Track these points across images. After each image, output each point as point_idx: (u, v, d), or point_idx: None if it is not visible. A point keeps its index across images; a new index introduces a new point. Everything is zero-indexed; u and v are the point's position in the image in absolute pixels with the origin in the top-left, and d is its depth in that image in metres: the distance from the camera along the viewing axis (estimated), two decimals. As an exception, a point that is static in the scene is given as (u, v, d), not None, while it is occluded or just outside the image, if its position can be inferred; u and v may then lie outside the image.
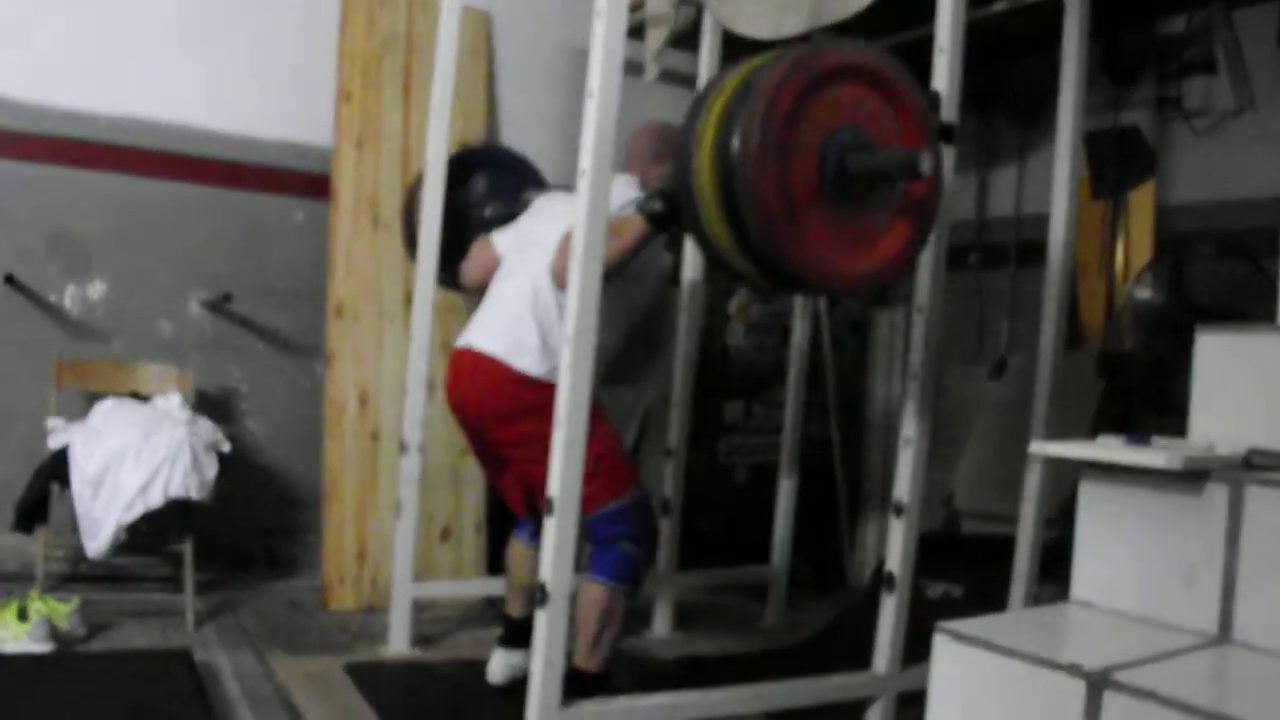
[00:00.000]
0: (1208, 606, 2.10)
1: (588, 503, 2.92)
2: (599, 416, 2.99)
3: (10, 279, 4.34)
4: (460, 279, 3.80)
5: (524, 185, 4.05)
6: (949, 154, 3.07)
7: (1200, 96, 4.58)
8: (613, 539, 3.17)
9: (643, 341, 4.66)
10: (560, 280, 3.09)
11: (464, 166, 4.10)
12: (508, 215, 3.83)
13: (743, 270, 2.74)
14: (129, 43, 4.53)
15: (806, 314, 4.76)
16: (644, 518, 3.27)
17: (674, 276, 4.58)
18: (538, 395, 3.10)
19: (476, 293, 3.63)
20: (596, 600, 3.15)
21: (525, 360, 3.22)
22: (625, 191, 3.32)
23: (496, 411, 3.29)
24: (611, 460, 3.21)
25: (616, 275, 2.98)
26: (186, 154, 4.65)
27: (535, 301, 3.27)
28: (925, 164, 2.55)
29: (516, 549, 3.64)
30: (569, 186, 3.12)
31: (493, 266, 3.57)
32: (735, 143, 2.52)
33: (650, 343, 4.96)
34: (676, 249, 4.53)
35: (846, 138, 2.59)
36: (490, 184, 4.13)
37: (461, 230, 3.95)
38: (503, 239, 3.61)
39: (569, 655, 2.98)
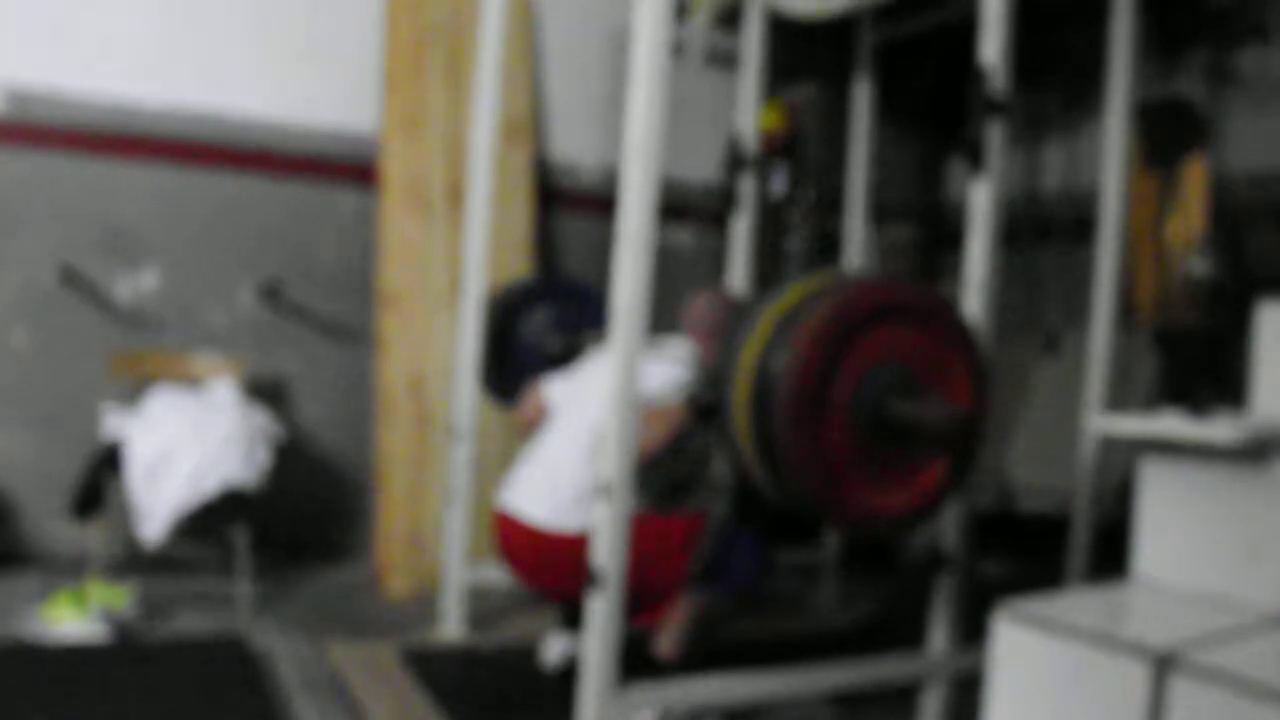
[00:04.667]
0: (1275, 581, 2.07)
1: (679, 575, 3.12)
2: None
3: (65, 270, 4.39)
4: (515, 414, 3.78)
5: (587, 318, 4.03)
6: (999, 130, 3.03)
7: (1254, 64, 4.50)
8: (722, 568, 3.22)
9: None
10: None
11: (524, 299, 4.11)
12: (567, 350, 3.83)
13: (772, 495, 2.70)
14: (178, 34, 4.55)
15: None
16: (732, 541, 3.28)
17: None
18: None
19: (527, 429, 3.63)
20: (698, 600, 3.20)
21: (569, 521, 3.20)
22: (675, 372, 3.32)
23: (557, 571, 3.25)
24: (668, 540, 3.22)
25: (653, 459, 3.02)
26: (236, 144, 4.67)
27: (576, 469, 3.24)
28: (963, 421, 2.51)
29: None
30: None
31: (542, 414, 3.55)
32: (770, 393, 2.48)
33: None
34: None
35: (885, 384, 2.54)
36: (553, 316, 4.11)
37: (520, 359, 3.97)
38: (554, 388, 3.56)
39: (641, 637, 3.07)
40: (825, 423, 2.49)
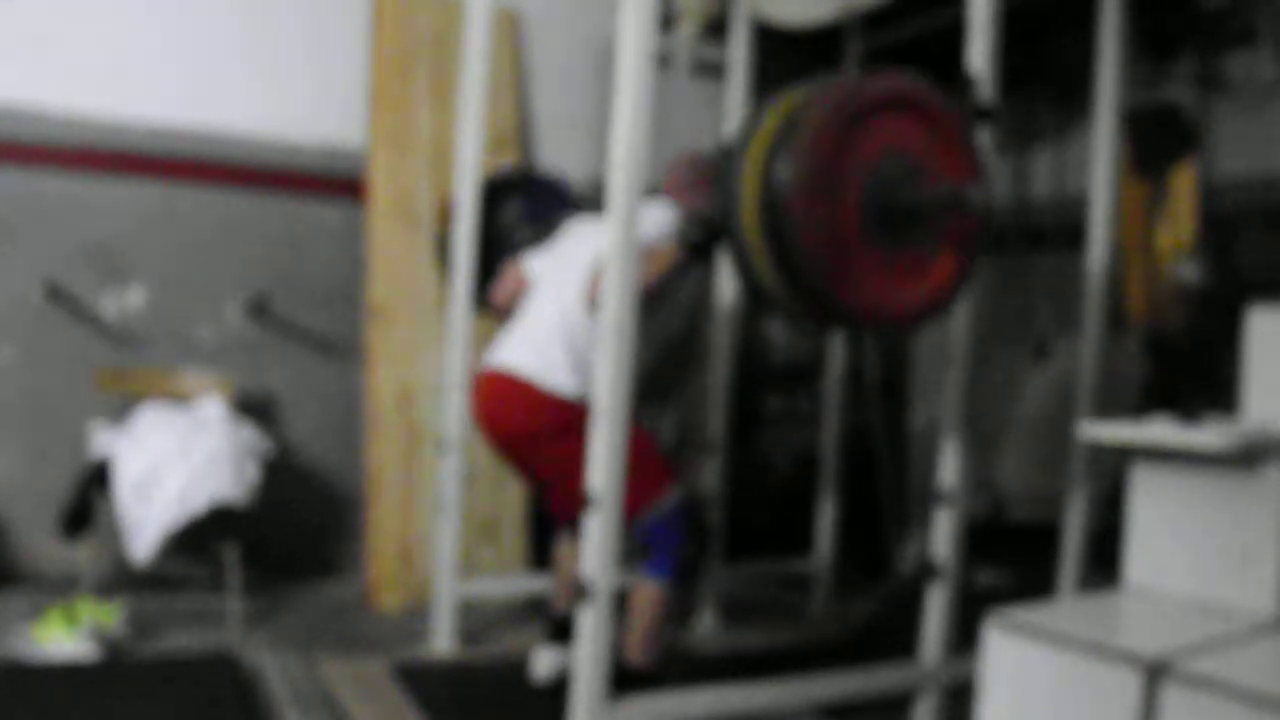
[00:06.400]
0: (1267, 587, 2.06)
1: (632, 506, 2.92)
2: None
3: (51, 288, 4.37)
4: (490, 300, 3.80)
5: (558, 210, 4.04)
6: (987, 136, 3.03)
7: (1243, 69, 4.50)
8: (662, 539, 3.16)
9: (675, 365, 4.63)
10: (595, 304, 3.09)
11: (498, 191, 4.10)
12: (541, 240, 3.83)
13: (788, 306, 2.70)
14: (164, 52, 4.54)
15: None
16: (691, 516, 3.24)
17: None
18: (571, 414, 3.15)
19: (505, 314, 3.64)
20: (650, 598, 3.16)
21: (557, 380, 3.23)
22: (663, 217, 3.30)
23: (531, 433, 3.29)
24: (647, 462, 3.17)
25: (651, 300, 2.97)
26: (223, 160, 4.65)
27: (564, 323, 3.28)
28: (972, 198, 2.51)
29: (563, 548, 3.62)
30: (600, 209, 3.10)
31: (521, 288, 3.58)
32: (780, 183, 2.49)
33: (683, 367, 4.92)
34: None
35: (892, 171, 2.56)
36: (525, 209, 4.12)
37: (494, 255, 3.96)
38: (534, 261, 3.60)
39: (618, 651, 3.00)
40: (837, 205, 2.50)
